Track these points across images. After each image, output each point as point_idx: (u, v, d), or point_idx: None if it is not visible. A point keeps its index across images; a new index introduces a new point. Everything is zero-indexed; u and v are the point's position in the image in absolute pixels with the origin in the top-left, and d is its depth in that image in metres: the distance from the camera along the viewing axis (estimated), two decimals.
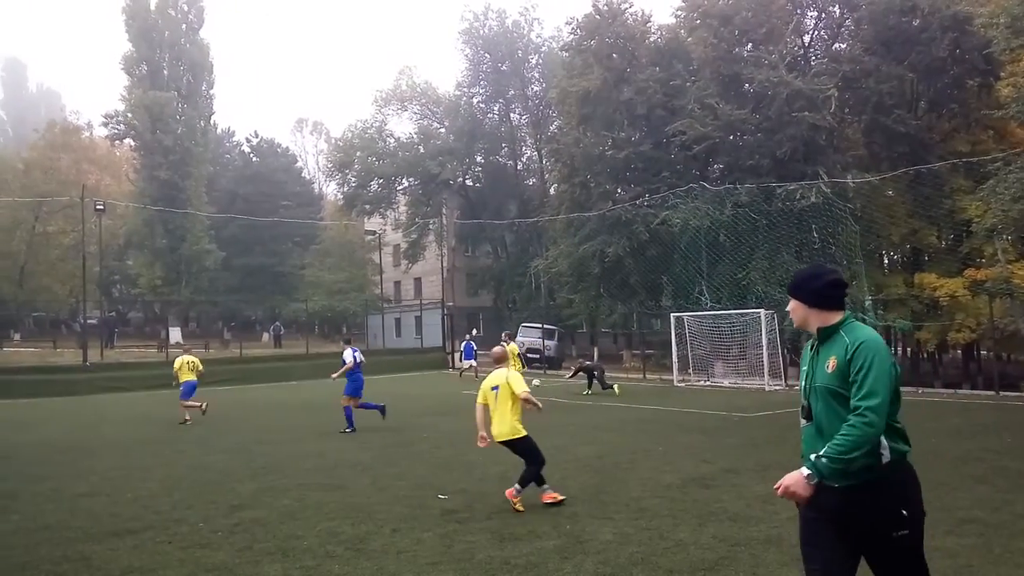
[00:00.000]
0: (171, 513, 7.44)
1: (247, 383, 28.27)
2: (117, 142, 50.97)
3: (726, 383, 23.62)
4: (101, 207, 35.58)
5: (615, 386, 20.84)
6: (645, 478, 8.65)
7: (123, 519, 7.22)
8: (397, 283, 58.84)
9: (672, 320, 25.42)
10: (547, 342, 34.47)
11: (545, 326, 35.27)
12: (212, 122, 54.73)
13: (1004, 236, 21.77)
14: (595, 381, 20.83)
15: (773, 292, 25.00)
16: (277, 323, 49.08)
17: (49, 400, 22.69)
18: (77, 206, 38.04)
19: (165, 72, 48.26)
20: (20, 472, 10.07)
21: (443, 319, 39.77)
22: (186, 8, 49.51)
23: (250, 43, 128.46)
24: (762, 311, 22.99)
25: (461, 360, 29.80)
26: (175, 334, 45.78)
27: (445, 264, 44.72)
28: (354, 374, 14.18)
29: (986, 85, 24.72)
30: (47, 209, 44.36)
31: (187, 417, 15.64)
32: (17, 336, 44.71)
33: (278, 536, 6.45)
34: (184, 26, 49.16)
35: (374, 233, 48.12)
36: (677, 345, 24.88)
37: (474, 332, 29.78)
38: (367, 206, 47.65)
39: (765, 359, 22.43)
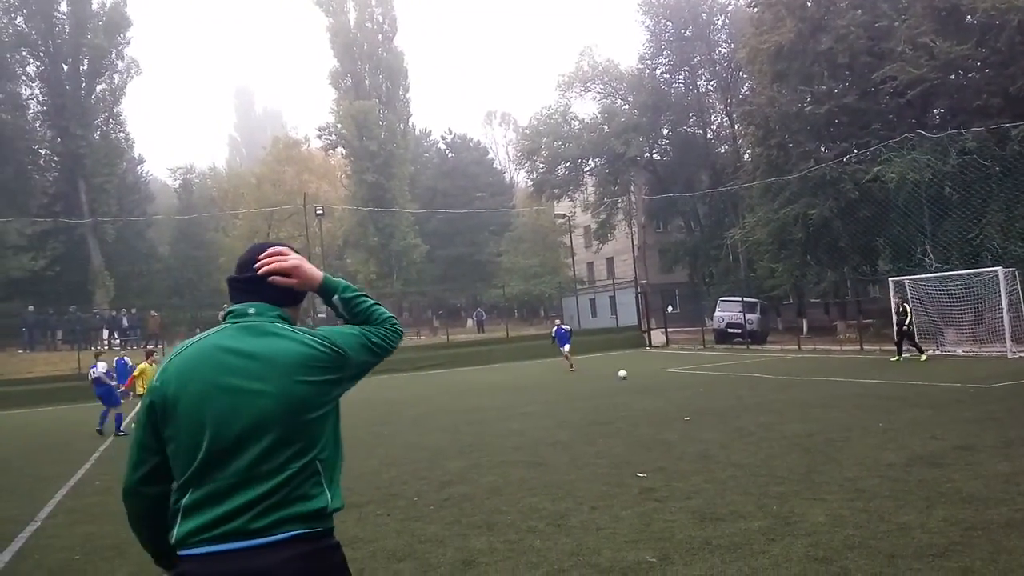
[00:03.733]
0: (389, 488, 8.10)
1: (454, 367, 29.95)
2: (330, 151, 55.95)
3: (959, 352, 21.14)
4: (320, 212, 39.34)
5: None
6: (862, 456, 7.99)
7: (349, 493, 7.94)
8: (590, 264, 59.16)
9: (891, 285, 23.18)
10: (748, 316, 32.90)
11: (745, 299, 33.68)
12: (410, 124, 58.30)
13: None
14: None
15: (1013, 247, 21.99)
16: (479, 309, 51.44)
17: None
18: (301, 213, 42.29)
19: (367, 82, 52.12)
20: None
21: (637, 298, 39.39)
22: (381, 19, 53.05)
23: (438, 44, 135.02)
24: (1000, 269, 20.25)
25: (558, 346, 25.33)
26: None
27: (636, 242, 44.17)
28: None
29: None
30: (277, 217, 49.88)
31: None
32: None
33: (484, 510, 6.78)
34: (380, 36, 52.73)
35: (564, 216, 48.69)
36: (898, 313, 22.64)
37: (557, 322, 28.02)
38: (556, 190, 48.32)
39: (1007, 323, 19.75)
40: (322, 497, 1.96)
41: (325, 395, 2.01)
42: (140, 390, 14.53)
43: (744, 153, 38.71)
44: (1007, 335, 19.70)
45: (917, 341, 20.31)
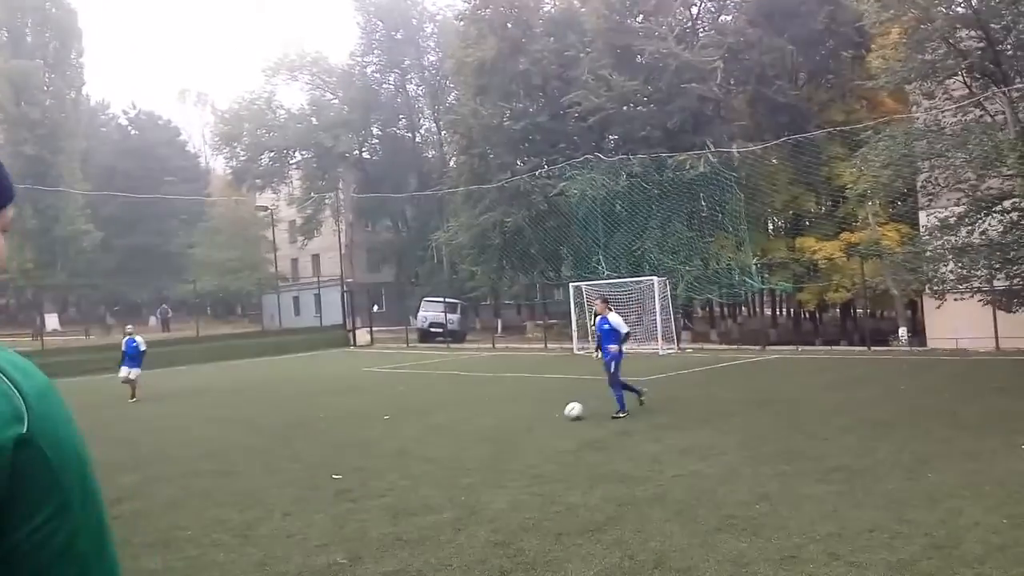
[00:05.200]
0: None
1: None
2: None
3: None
4: None
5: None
6: (542, 445, 8.80)
7: None
8: (294, 260, 57.04)
9: (571, 289, 25.86)
10: (450, 316, 34.40)
11: (448, 300, 35.16)
12: (84, 93, 50.96)
13: (874, 200, 23.25)
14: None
15: (666, 260, 25.87)
16: (164, 306, 46.72)
17: None
18: None
19: (29, 39, 44.43)
20: None
21: (343, 296, 38.98)
22: None
23: (124, 10, 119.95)
24: (655, 278, 23.72)
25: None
26: (51, 320, 42.91)
27: (343, 240, 43.68)
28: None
29: (859, 57, 26.17)
30: None
31: None
32: None
33: (160, 527, 6.18)
34: None
35: (266, 209, 46.36)
36: (576, 314, 25.36)
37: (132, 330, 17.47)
38: (258, 181, 45.86)
39: (659, 324, 23.20)
40: None
41: None
42: None
43: (450, 160, 40.40)
44: (659, 334, 23.15)
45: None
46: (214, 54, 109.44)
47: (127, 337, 17.29)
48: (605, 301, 11.61)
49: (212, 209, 53.15)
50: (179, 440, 10.87)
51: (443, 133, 43.11)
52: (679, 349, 23.24)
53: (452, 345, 31.63)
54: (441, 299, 35.21)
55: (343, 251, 44.11)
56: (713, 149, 25.41)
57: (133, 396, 16.57)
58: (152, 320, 47.55)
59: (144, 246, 52.67)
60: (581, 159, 28.12)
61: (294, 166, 46.45)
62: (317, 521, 6.08)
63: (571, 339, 25.62)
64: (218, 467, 8.60)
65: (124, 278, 51.97)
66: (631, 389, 10.92)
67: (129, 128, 58.98)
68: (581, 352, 23.23)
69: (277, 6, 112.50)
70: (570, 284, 26.48)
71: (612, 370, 10.67)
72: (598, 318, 11.37)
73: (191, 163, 62.01)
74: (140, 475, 8.37)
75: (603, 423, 10.10)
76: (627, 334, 11.06)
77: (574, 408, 10.41)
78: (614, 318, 11.01)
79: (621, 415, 10.41)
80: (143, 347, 17.08)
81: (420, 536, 5.48)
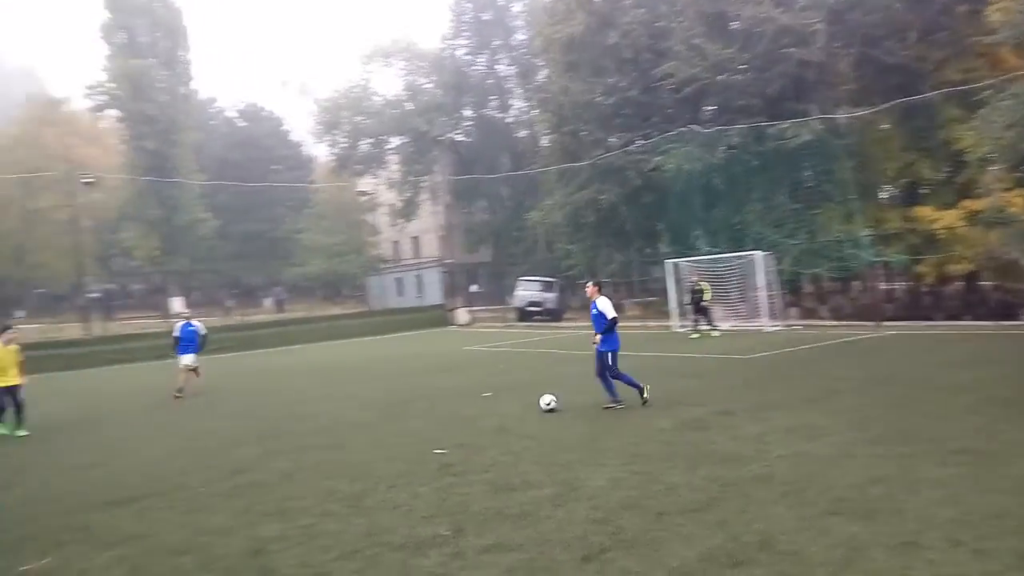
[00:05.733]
0: (172, 479, 7.54)
1: (250, 349, 28.41)
2: (100, 113, 50.14)
3: (726, 326, 23.68)
4: (90, 180, 35.29)
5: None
6: (640, 424, 8.72)
7: (125, 487, 7.32)
8: (395, 243, 58.68)
9: (668, 266, 25.38)
10: (547, 295, 34.50)
11: (544, 279, 35.26)
12: (192, 88, 53.81)
13: (998, 165, 21.50)
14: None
15: (769, 233, 24.90)
16: (278, 288, 49.14)
17: (53, 375, 22.79)
18: (67, 181, 37.75)
19: (142, 39, 47.23)
20: (26, 446, 10.17)
21: (441, 277, 39.80)
22: None
23: (222, 6, 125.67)
24: (759, 253, 22.92)
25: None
26: (177, 303, 45.91)
27: (441, 221, 44.47)
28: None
29: (976, 11, 24.11)
30: (37, 185, 43.98)
31: None
32: (22, 313, 44.77)
33: (276, 497, 6.54)
34: None
35: (367, 194, 47.76)
36: (675, 291, 24.88)
37: (189, 313, 18.22)
38: (358, 166, 47.21)
39: (764, 300, 22.44)
40: None
41: None
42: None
43: (542, 138, 40.24)
44: (764, 311, 22.40)
45: (712, 318, 21.94)
46: (313, 45, 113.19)
47: (183, 322, 15.36)
48: (596, 284, 10.56)
49: (317, 195, 55.31)
50: (293, 415, 11.45)
51: (534, 112, 42.96)
52: (786, 326, 22.41)
53: (550, 324, 31.72)
54: (538, 278, 35.35)
55: (441, 232, 44.92)
56: (817, 116, 24.14)
57: (180, 392, 14.46)
58: (267, 302, 50.08)
59: (257, 232, 55.62)
60: (676, 132, 27.36)
61: (392, 151, 47.55)
62: (422, 494, 6.28)
63: (669, 317, 25.18)
64: (329, 441, 9.01)
65: (240, 263, 55.05)
66: (633, 384, 10.02)
67: (238, 120, 62.05)
68: (681, 330, 22.84)
69: None
70: (667, 261, 25.97)
71: (608, 361, 10.02)
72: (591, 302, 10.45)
73: (295, 152, 64.66)
74: (260, 448, 8.88)
75: (703, 401, 9.90)
76: (614, 320, 10.08)
77: (550, 402, 9.95)
78: (602, 303, 10.12)
79: (616, 405, 9.78)
80: (203, 331, 15.37)
81: (521, 511, 5.57)
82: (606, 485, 6.12)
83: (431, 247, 51.86)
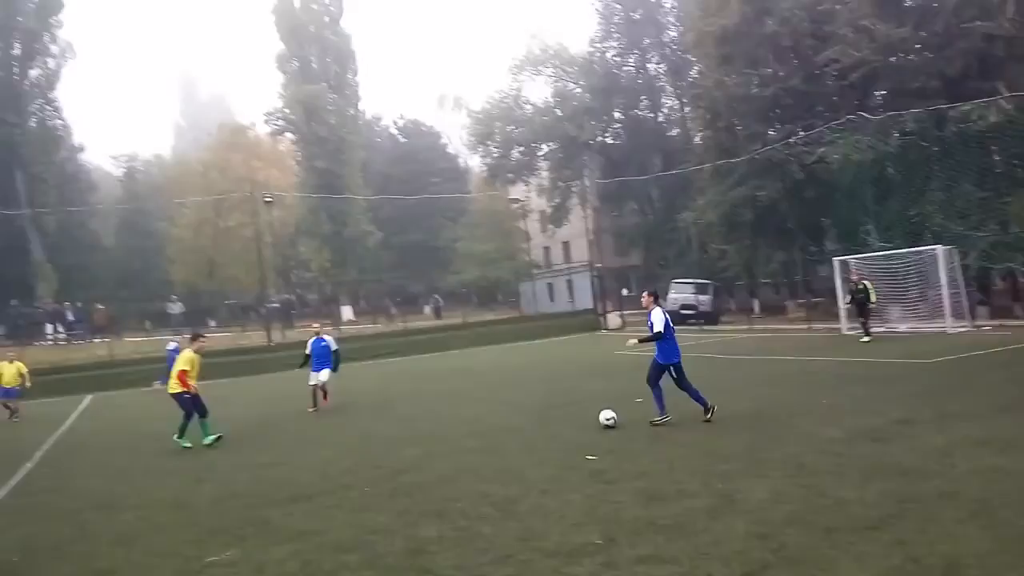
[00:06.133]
0: (341, 479, 8.02)
1: (411, 354, 29.77)
2: (278, 137, 54.72)
3: (903, 328, 21.80)
4: (269, 199, 38.59)
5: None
6: (806, 433, 8.20)
7: (300, 485, 7.88)
8: (546, 248, 59.35)
9: (836, 264, 23.76)
10: (701, 297, 33.41)
11: (698, 281, 34.20)
12: (360, 109, 57.36)
13: None
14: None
15: (952, 226, 22.64)
16: (435, 296, 51.23)
17: (240, 379, 25.04)
18: (250, 200, 41.56)
19: (314, 66, 51.04)
20: (216, 445, 11.20)
21: (592, 281, 39.72)
22: (327, 0, 51.82)
23: (385, 27, 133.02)
24: (940, 247, 20.91)
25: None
26: (347, 312, 49.13)
27: (590, 226, 44.41)
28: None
29: None
30: (226, 205, 48.74)
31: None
32: (213, 323, 49.73)
33: (435, 499, 6.77)
34: (327, 18, 51.53)
35: (519, 201, 48.65)
36: (843, 291, 23.23)
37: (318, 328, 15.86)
38: (510, 175, 48.26)
39: (946, 299, 20.43)
40: None
41: None
42: (190, 386, 11.13)
43: (694, 136, 39.12)
44: (947, 311, 20.38)
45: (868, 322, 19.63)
46: (467, 59, 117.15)
47: (314, 337, 14.35)
48: (652, 294, 9.96)
49: (472, 205, 57.16)
50: (450, 418, 11.85)
51: (686, 110, 41.83)
52: (973, 326, 20.29)
53: (705, 327, 30.72)
54: (691, 280, 34.35)
55: (590, 237, 44.86)
56: (1007, 94, 21.62)
57: (314, 405, 13.94)
58: (426, 309, 52.36)
59: (417, 243, 58.39)
60: (843, 121, 25.56)
61: (542, 158, 48.17)
62: (573, 500, 6.26)
63: (838, 318, 23.55)
64: (483, 445, 9.23)
65: (402, 272, 58.01)
66: (659, 401, 9.49)
67: (399, 137, 65.49)
68: (851, 332, 21.26)
69: (521, 6, 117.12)
70: (834, 259, 24.32)
71: (672, 374, 9.52)
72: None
73: (452, 164, 67.23)
74: (421, 449, 9.26)
75: (878, 410, 9.14)
76: (657, 334, 9.37)
77: (610, 417, 9.49)
78: (656, 315, 9.55)
79: (662, 419, 9.35)
80: (335, 347, 14.34)
81: (675, 522, 5.40)
82: (768, 498, 5.80)
83: (581, 252, 51.85)
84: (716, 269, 34.94)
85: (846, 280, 22.65)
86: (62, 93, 61.85)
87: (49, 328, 36.42)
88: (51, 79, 44.29)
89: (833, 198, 26.97)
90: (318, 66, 51.06)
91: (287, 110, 49.91)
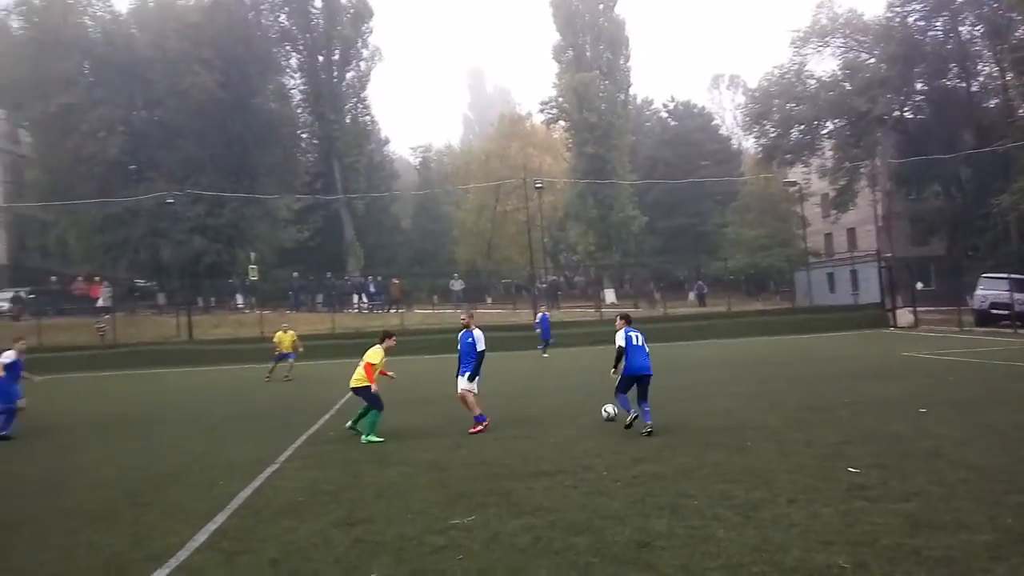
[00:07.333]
0: (582, 459, 8.17)
1: (670, 340, 29.30)
2: (552, 125, 56.87)
3: None
4: (540, 185, 40.30)
5: None
6: None
7: (544, 461, 8.17)
8: (827, 235, 54.72)
9: None
10: (1018, 295, 28.36)
11: (1014, 276, 29.06)
12: (631, 94, 57.42)
13: None
14: None
15: None
16: (700, 282, 49.81)
17: (509, 354, 26.50)
18: (524, 186, 43.80)
19: (588, 54, 52.09)
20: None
21: (879, 272, 35.77)
22: None
23: (659, 9, 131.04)
24: None
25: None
26: (610, 295, 49.75)
27: (880, 211, 39.90)
28: None
29: None
30: (504, 191, 51.95)
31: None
32: (489, 299, 53.45)
33: (671, 492, 6.59)
34: (601, 6, 52.22)
35: (796, 184, 45.31)
36: None
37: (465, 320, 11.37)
38: (788, 156, 45.12)
39: None
40: None
41: None
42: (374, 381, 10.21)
43: (1018, 107, 33.16)
44: None
45: None
46: (743, 36, 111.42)
47: (462, 330, 10.82)
48: (624, 318, 10.72)
49: (743, 188, 54.53)
50: (700, 410, 11.47)
51: (1008, 76, 35.54)
52: None
53: (1021, 331, 26.13)
54: (1006, 275, 29.32)
55: (880, 223, 40.36)
56: None
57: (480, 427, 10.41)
58: (690, 296, 51.18)
59: (682, 227, 57.34)
60: None
61: (825, 136, 44.31)
62: (823, 515, 5.69)
63: None
64: (731, 442, 8.77)
65: (666, 257, 57.32)
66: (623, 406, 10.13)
67: (668, 120, 64.48)
68: None
69: None
70: None
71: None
72: None
73: (723, 146, 64.73)
74: (662, 439, 9.10)
75: None
76: (619, 348, 10.22)
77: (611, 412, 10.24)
78: (619, 335, 10.35)
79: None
80: (481, 346, 10.53)
81: (945, 556, 4.66)
82: None
83: (868, 240, 46.87)
84: None
85: None
86: (371, 92, 70.25)
87: (355, 298, 41.88)
88: (363, 80, 50.70)
89: None
90: (591, 53, 52.01)
91: (560, 98, 51.58)
